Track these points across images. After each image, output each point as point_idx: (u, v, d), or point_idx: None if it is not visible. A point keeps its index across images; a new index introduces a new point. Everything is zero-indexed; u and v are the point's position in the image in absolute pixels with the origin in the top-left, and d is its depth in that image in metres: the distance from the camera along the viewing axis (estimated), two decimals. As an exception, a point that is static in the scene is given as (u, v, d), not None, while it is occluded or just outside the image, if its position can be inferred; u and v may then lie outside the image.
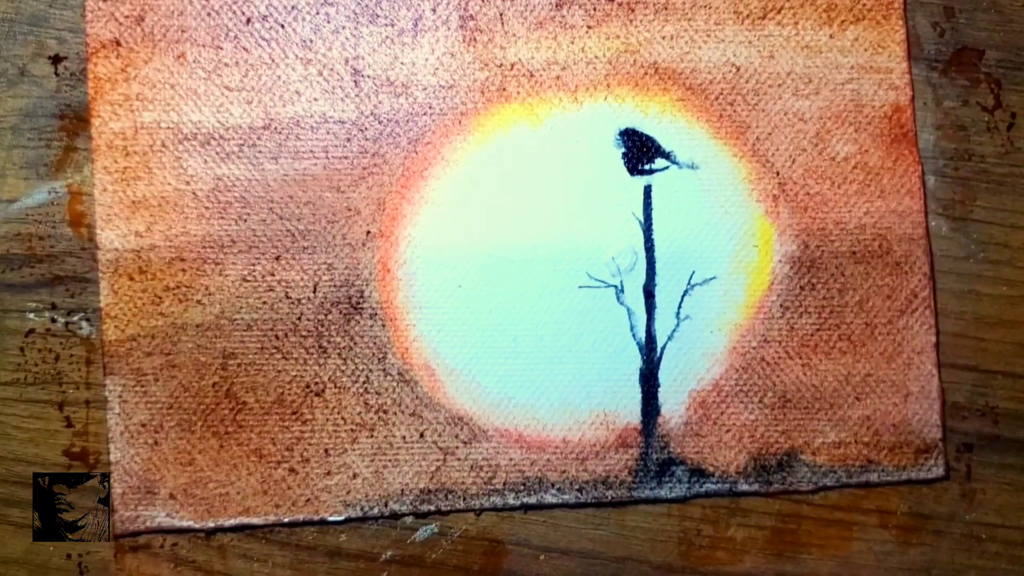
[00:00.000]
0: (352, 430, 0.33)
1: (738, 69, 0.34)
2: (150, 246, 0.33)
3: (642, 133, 0.34)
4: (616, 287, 0.34)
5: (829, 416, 0.33)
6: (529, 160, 0.34)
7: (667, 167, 0.34)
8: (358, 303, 0.33)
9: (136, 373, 0.33)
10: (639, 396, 0.33)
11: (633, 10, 0.34)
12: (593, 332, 0.33)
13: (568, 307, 0.33)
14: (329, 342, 0.33)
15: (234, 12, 0.33)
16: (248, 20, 0.33)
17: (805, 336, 0.34)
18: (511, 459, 0.33)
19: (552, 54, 0.34)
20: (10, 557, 0.33)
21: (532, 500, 0.33)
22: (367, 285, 0.33)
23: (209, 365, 0.33)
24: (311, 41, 0.34)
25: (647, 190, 0.34)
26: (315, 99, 0.33)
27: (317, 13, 0.34)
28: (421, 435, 0.33)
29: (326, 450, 0.33)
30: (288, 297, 0.33)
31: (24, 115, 0.33)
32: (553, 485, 0.33)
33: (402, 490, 0.33)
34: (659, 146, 0.34)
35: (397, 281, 0.33)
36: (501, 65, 0.34)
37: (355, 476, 0.33)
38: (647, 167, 0.34)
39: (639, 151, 0.34)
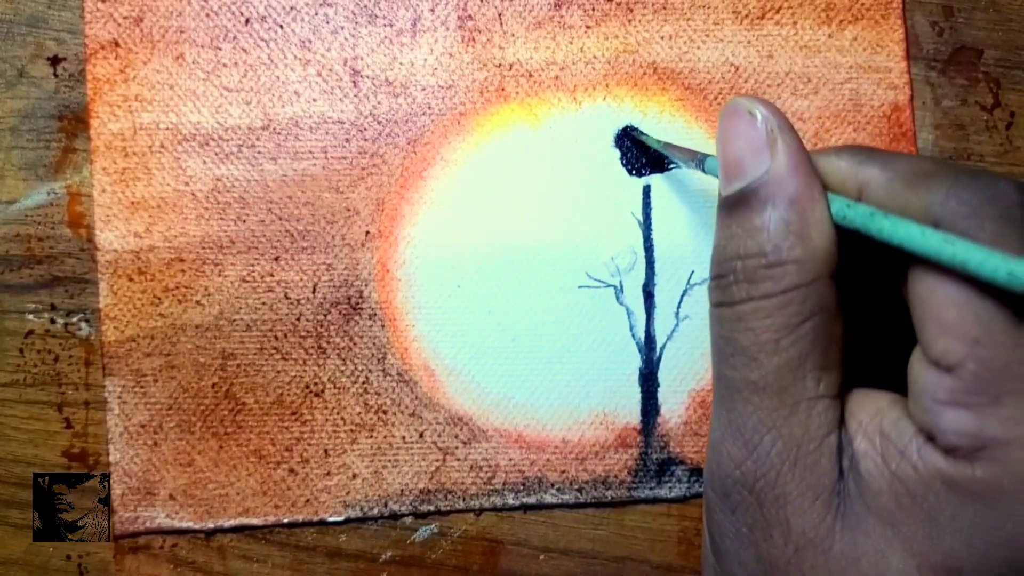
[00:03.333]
0: (351, 430, 0.33)
1: (737, 69, 0.34)
2: (149, 247, 0.33)
3: (641, 133, 0.34)
4: (615, 287, 0.34)
5: (829, 416, 0.33)
6: (528, 160, 0.34)
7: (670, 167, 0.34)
8: (357, 303, 0.33)
9: (135, 374, 0.33)
10: (638, 396, 0.33)
11: (632, 10, 0.34)
12: (592, 332, 0.33)
13: (567, 307, 0.33)
14: (328, 342, 0.33)
15: (233, 13, 0.33)
16: (247, 21, 0.33)
17: (804, 336, 0.34)
18: (510, 459, 0.33)
19: (551, 54, 0.34)
20: (9, 558, 0.33)
21: (531, 500, 0.33)
22: (366, 285, 0.33)
23: (208, 366, 0.33)
24: (310, 42, 0.34)
25: (646, 190, 0.34)
26: (314, 99, 0.33)
27: (316, 14, 0.34)
28: (420, 435, 0.33)
29: (325, 451, 0.33)
30: (287, 298, 0.33)
31: (23, 116, 0.33)
32: (552, 485, 0.33)
33: (401, 490, 0.33)
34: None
35: (396, 281, 0.33)
36: (500, 65, 0.34)
37: (354, 476, 0.33)
38: (647, 168, 0.34)
39: (638, 151, 0.34)
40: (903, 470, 0.22)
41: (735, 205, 0.24)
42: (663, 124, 0.34)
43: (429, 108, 0.34)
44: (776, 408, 0.23)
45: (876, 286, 0.25)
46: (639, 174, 0.34)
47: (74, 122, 0.33)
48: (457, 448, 0.33)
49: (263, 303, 0.33)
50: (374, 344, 0.33)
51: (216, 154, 0.33)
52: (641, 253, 0.34)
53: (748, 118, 0.24)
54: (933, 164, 0.23)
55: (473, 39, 0.34)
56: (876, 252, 0.24)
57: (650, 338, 0.34)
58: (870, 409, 0.23)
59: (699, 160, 0.29)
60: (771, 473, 0.23)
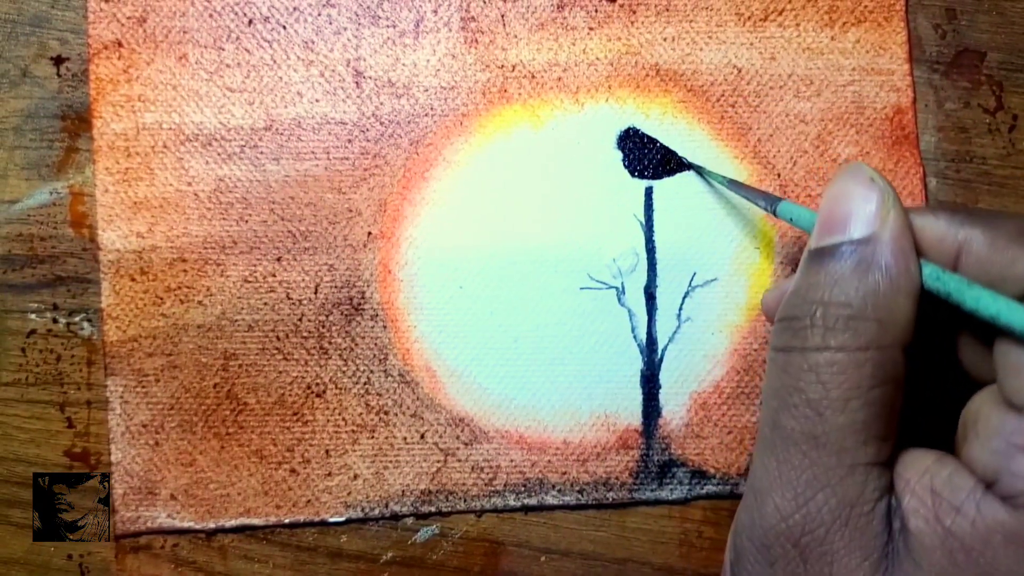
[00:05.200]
0: (353, 431, 0.33)
1: (739, 71, 0.34)
2: (151, 247, 0.33)
3: (643, 134, 0.34)
4: (617, 288, 0.34)
5: (830, 418, 0.33)
6: (530, 161, 0.34)
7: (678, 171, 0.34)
8: (359, 304, 0.33)
9: (137, 374, 0.33)
10: (640, 397, 0.33)
11: (635, 12, 0.34)
12: (594, 333, 0.33)
13: (569, 308, 0.33)
14: (330, 343, 0.33)
15: (236, 13, 0.33)
16: (250, 21, 0.34)
17: (806, 338, 0.34)
18: (512, 460, 0.33)
19: (553, 55, 0.34)
20: (11, 557, 0.33)
21: (533, 501, 0.33)
22: (368, 286, 0.33)
23: (210, 366, 0.33)
24: (313, 42, 0.34)
25: (648, 191, 0.34)
26: (316, 100, 0.33)
27: (319, 14, 0.34)
28: (422, 436, 0.33)
29: (327, 451, 0.33)
30: (289, 298, 0.33)
31: (26, 116, 0.33)
32: (554, 486, 0.33)
33: (403, 491, 0.33)
34: (663, 147, 0.34)
35: (398, 282, 0.33)
36: (502, 66, 0.34)
37: (356, 477, 0.33)
38: (649, 170, 0.34)
39: (640, 153, 0.34)
40: (958, 526, 0.22)
41: (825, 255, 0.24)
42: (665, 126, 0.34)
43: (431, 109, 0.34)
44: (834, 467, 0.23)
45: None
46: (641, 176, 0.34)
47: (77, 122, 0.33)
48: (458, 449, 0.33)
49: (265, 303, 0.33)
50: (376, 345, 0.33)
51: (219, 154, 0.33)
52: (643, 255, 0.34)
53: (868, 183, 0.24)
54: None
55: (476, 40, 0.34)
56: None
57: (652, 340, 0.34)
58: (918, 468, 0.23)
59: (770, 203, 0.29)
60: (820, 530, 0.23)
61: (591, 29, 0.34)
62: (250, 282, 0.33)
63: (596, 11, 0.34)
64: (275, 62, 0.33)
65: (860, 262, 0.23)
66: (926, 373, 0.26)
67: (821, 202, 0.25)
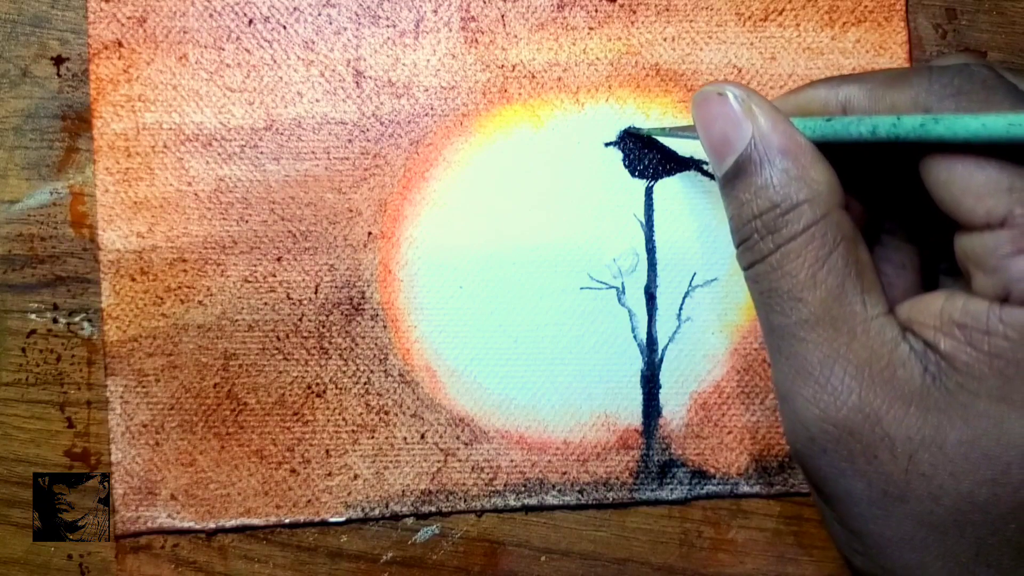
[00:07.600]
0: (353, 431, 0.33)
1: (740, 71, 0.34)
2: (152, 247, 0.33)
3: (638, 129, 0.34)
4: (617, 288, 0.34)
5: (830, 418, 0.33)
6: (530, 161, 0.34)
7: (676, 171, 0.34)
8: (359, 304, 0.33)
9: (137, 374, 0.33)
10: (640, 397, 0.33)
11: (635, 12, 0.34)
12: (594, 333, 0.33)
13: (569, 308, 0.33)
14: (330, 343, 0.33)
15: (236, 13, 0.33)
16: (250, 21, 0.34)
17: (806, 338, 0.34)
18: (512, 460, 0.33)
19: (554, 55, 0.34)
20: (11, 557, 0.33)
21: (533, 501, 0.33)
22: (368, 286, 0.33)
23: (210, 366, 0.33)
24: (313, 42, 0.34)
25: (648, 191, 0.34)
26: (317, 100, 0.33)
27: (319, 14, 0.34)
28: (422, 436, 0.33)
29: (327, 451, 0.33)
30: (289, 298, 0.33)
31: (26, 116, 0.33)
32: (554, 486, 0.33)
33: (403, 491, 0.33)
34: (663, 147, 0.34)
35: (398, 282, 0.33)
36: (503, 66, 0.34)
37: (356, 477, 0.33)
38: (650, 169, 0.34)
39: (640, 152, 0.34)
40: (997, 345, 0.23)
41: (735, 177, 0.26)
42: (666, 126, 0.34)
43: (432, 109, 0.34)
44: (834, 338, 0.24)
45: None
46: (641, 176, 0.34)
47: (77, 122, 0.33)
48: (458, 449, 0.33)
49: (265, 303, 0.33)
50: (376, 345, 0.33)
51: (219, 154, 0.33)
52: (643, 255, 0.34)
53: (719, 99, 0.26)
54: (902, 68, 0.26)
55: (476, 40, 0.34)
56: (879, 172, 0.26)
57: (652, 340, 0.34)
58: (932, 312, 0.24)
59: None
60: (852, 398, 0.24)
61: (591, 29, 0.34)
62: (250, 282, 0.33)
63: (596, 11, 0.34)
64: (275, 62, 0.33)
65: (759, 164, 0.25)
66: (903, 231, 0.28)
67: (701, 140, 0.27)
